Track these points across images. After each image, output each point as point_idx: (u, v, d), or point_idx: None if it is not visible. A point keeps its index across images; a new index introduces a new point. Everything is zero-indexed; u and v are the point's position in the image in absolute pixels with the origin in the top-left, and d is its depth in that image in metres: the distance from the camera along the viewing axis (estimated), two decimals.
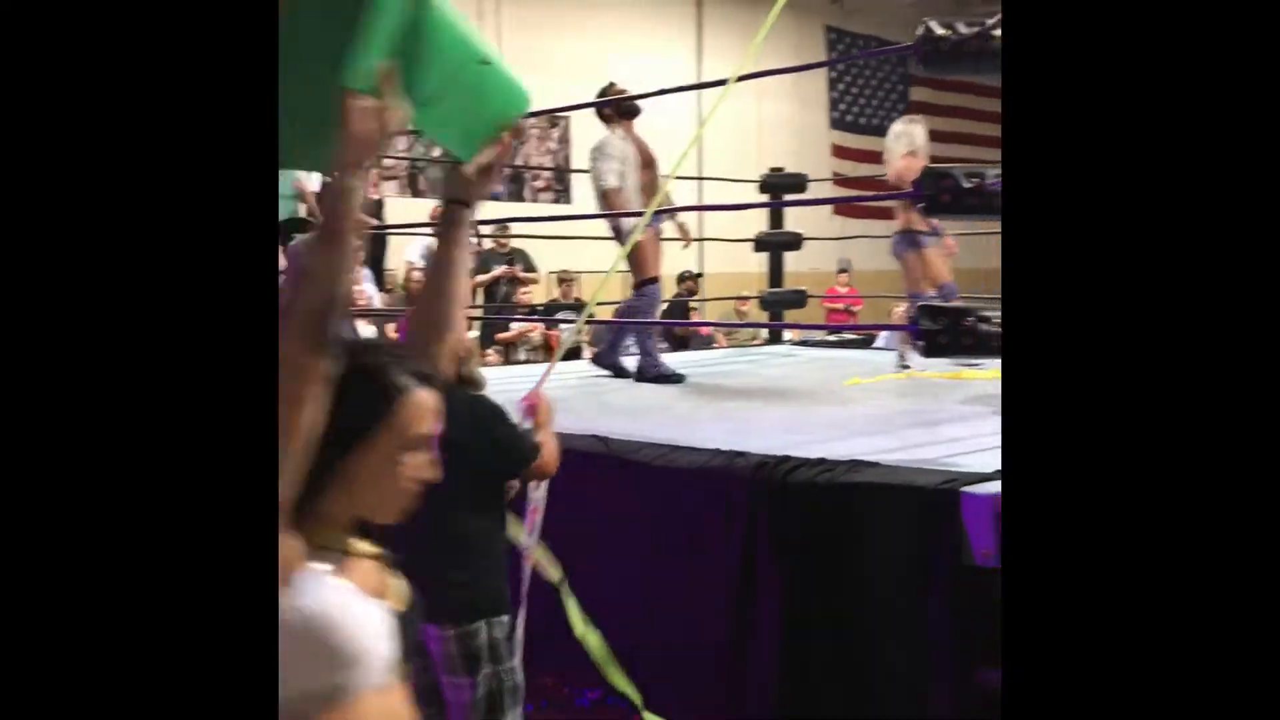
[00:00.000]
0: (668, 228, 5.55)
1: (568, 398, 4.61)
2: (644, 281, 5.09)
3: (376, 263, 7.42)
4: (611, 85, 5.33)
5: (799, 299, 6.58)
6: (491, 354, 8.26)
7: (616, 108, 5.12)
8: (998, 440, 2.31)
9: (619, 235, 5.04)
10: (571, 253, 8.52)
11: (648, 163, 5.18)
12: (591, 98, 5.32)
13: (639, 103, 5.21)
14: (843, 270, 11.96)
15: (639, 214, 4.69)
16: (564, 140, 11.95)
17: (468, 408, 2.54)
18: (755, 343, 6.92)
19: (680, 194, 10.41)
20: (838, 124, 14.66)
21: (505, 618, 2.56)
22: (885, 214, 10.33)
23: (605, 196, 5.05)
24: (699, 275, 10.11)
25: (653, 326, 5.32)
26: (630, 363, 5.32)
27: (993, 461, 2.50)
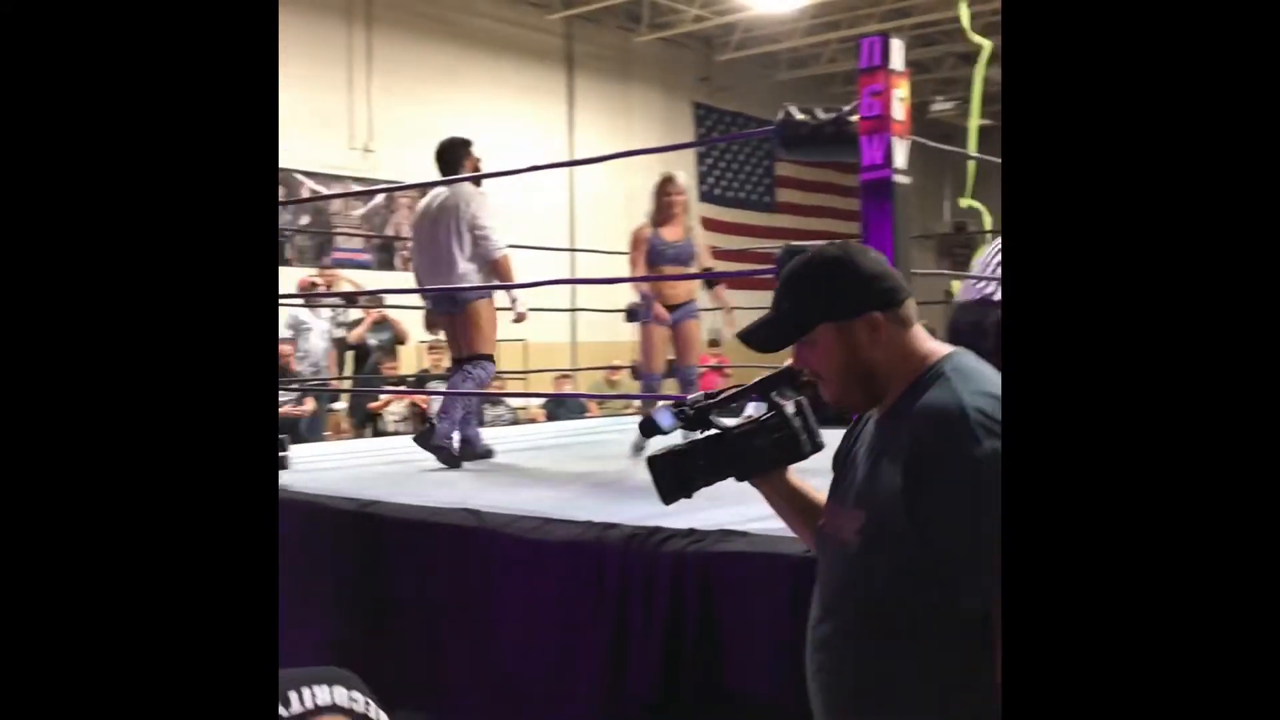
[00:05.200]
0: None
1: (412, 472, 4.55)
2: (484, 356, 4.71)
3: None
4: (466, 142, 4.89)
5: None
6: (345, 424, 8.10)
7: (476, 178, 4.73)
8: None
9: (459, 305, 4.57)
10: None
11: None
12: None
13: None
14: (713, 342, 12.17)
15: (544, 283, 4.41)
16: None
17: None
18: (628, 411, 6.98)
19: (554, 266, 10.49)
20: (706, 197, 15.01)
21: None
22: (758, 285, 10.59)
23: (495, 266, 4.60)
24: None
25: (475, 404, 4.87)
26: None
27: None
